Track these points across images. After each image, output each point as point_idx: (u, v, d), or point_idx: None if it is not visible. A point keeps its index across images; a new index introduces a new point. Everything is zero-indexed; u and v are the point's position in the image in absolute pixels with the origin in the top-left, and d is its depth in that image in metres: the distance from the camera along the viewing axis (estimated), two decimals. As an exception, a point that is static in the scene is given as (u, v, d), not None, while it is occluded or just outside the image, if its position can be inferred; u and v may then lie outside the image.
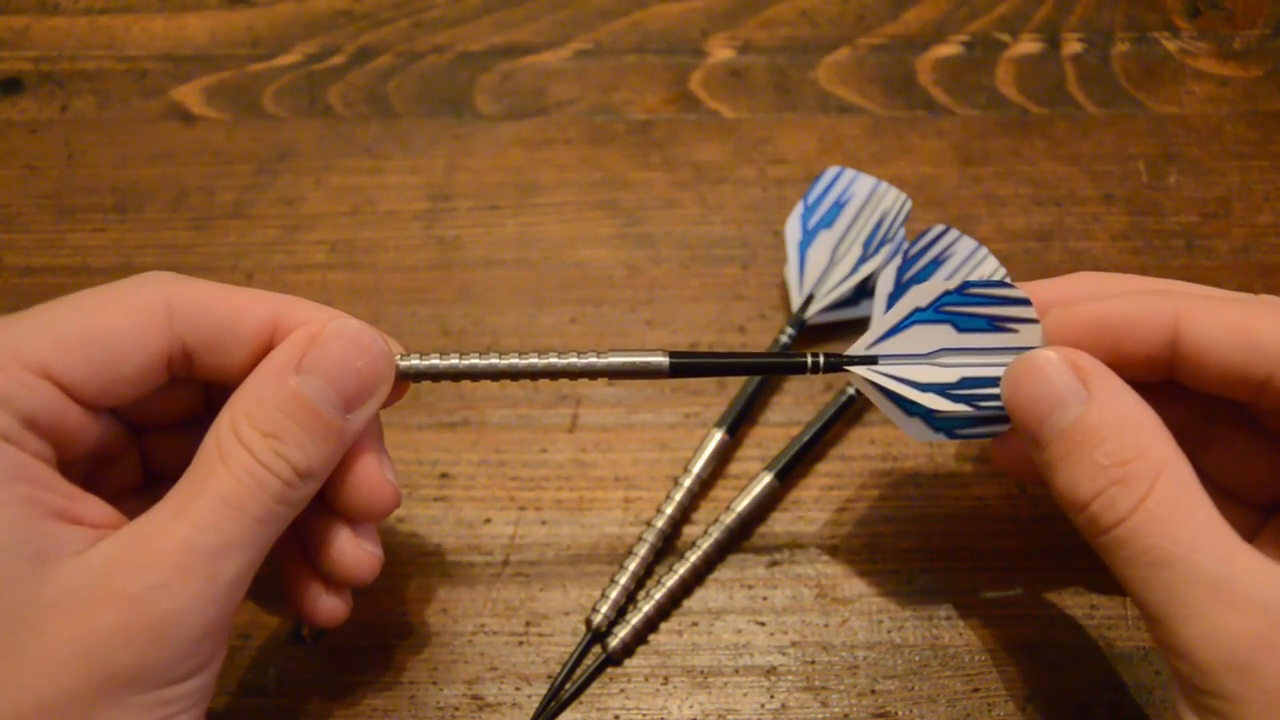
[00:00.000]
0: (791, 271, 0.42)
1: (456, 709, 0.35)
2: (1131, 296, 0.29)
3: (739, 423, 0.39)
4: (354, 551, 0.31)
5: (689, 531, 0.38)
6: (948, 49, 0.50)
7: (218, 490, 0.27)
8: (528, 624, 0.36)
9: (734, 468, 0.39)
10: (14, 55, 0.51)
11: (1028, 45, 0.50)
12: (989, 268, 0.40)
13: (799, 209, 0.43)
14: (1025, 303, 0.30)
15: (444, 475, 0.39)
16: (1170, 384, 0.30)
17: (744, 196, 0.46)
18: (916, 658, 0.36)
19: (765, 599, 0.37)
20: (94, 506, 0.27)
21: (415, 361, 0.31)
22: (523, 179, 0.47)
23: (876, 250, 0.40)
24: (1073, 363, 0.28)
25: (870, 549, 0.38)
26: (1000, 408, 0.30)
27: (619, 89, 0.49)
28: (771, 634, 0.36)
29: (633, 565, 0.36)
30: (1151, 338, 0.28)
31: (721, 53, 0.50)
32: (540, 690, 0.35)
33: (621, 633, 0.36)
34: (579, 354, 0.31)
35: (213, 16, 0.52)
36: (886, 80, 0.49)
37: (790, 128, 0.48)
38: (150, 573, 0.25)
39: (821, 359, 0.32)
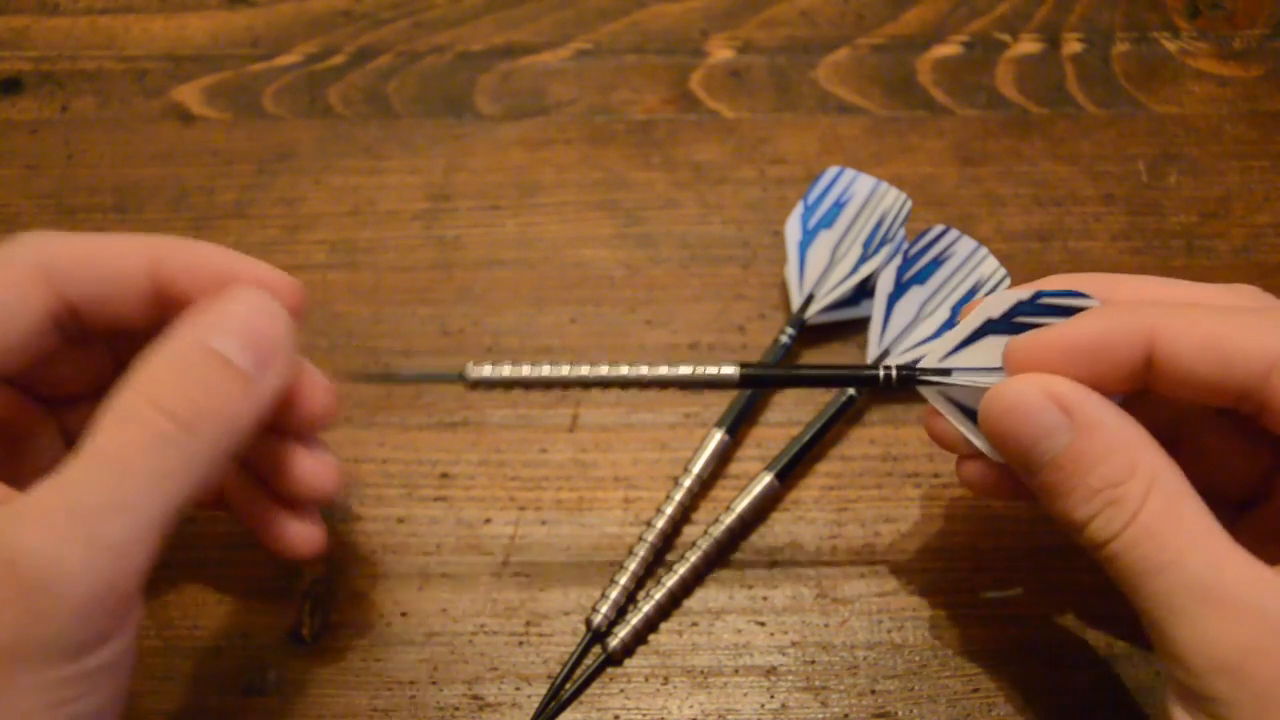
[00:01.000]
0: (791, 271, 0.42)
1: (456, 709, 0.35)
2: (1102, 315, 0.29)
3: (739, 423, 0.39)
4: (306, 463, 0.31)
5: (689, 531, 0.38)
6: (948, 49, 0.50)
7: (105, 450, 0.25)
8: (528, 624, 0.36)
9: (734, 468, 0.39)
10: (14, 55, 0.51)
11: (1028, 45, 0.50)
12: (989, 268, 0.40)
13: (799, 209, 0.43)
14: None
15: (444, 475, 0.39)
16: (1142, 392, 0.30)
17: (744, 196, 0.46)
18: (916, 658, 0.36)
19: (765, 599, 0.37)
20: (2, 492, 0.26)
21: (486, 371, 0.31)
22: (523, 179, 0.47)
23: (876, 250, 0.40)
24: (1050, 393, 0.28)
25: (870, 549, 0.38)
26: None
27: (619, 89, 0.49)
28: (771, 634, 0.36)
29: (633, 565, 0.37)
30: (1126, 357, 0.28)
31: (721, 53, 0.50)
32: (540, 690, 0.35)
33: (621, 633, 0.36)
34: (649, 365, 0.32)
35: (213, 16, 0.52)
36: (886, 80, 0.49)
37: (790, 128, 0.48)
38: (19, 539, 0.24)
39: (894, 372, 0.31)
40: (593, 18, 0.52)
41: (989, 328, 0.30)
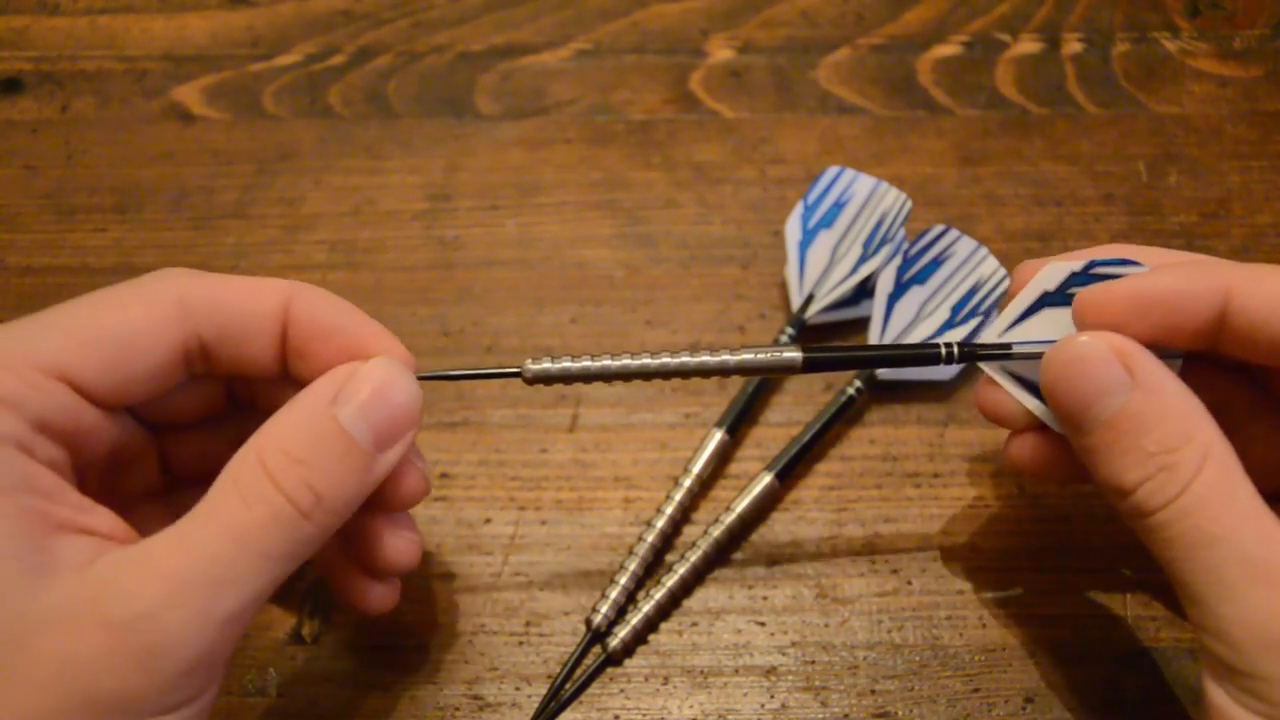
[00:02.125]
0: (791, 271, 0.42)
1: (456, 709, 0.35)
2: (1178, 270, 0.28)
3: (739, 423, 0.39)
4: (394, 542, 0.31)
5: (689, 531, 0.38)
6: (948, 49, 0.50)
7: (225, 520, 0.26)
8: (528, 624, 0.36)
9: (734, 468, 0.39)
10: (14, 55, 0.51)
11: (1028, 45, 0.50)
12: (989, 268, 0.40)
13: (799, 209, 0.43)
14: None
15: (444, 475, 0.39)
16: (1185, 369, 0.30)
17: (744, 196, 0.46)
18: (916, 658, 0.36)
19: (765, 599, 0.37)
20: (104, 518, 0.27)
21: (547, 365, 0.31)
22: (523, 179, 0.47)
23: (876, 250, 0.40)
24: (1116, 349, 0.28)
25: (870, 549, 0.38)
26: None
27: (619, 89, 0.49)
28: (771, 634, 0.36)
29: (633, 565, 0.37)
30: (1201, 311, 0.28)
31: (721, 53, 0.50)
32: (540, 690, 0.35)
33: (621, 633, 0.36)
34: (711, 351, 0.31)
35: (213, 16, 0.52)
36: (886, 80, 0.49)
37: (790, 128, 0.48)
38: (140, 600, 0.24)
39: (956, 349, 0.31)
40: (593, 18, 0.52)
41: (1045, 300, 0.30)
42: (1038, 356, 0.30)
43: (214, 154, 0.47)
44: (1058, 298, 0.30)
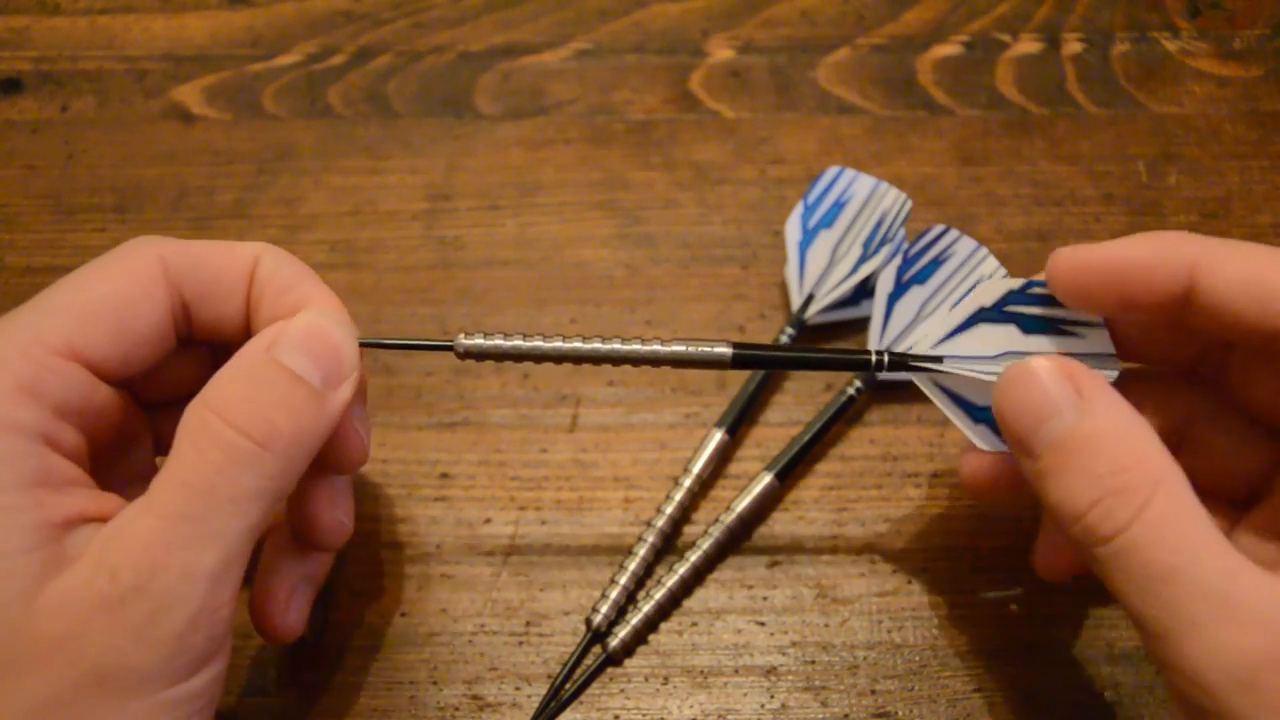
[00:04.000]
0: (791, 271, 0.42)
1: (456, 709, 0.35)
2: (1147, 239, 0.28)
3: (739, 423, 0.39)
4: (330, 514, 0.31)
5: (689, 531, 0.38)
6: (948, 49, 0.50)
7: (184, 476, 0.26)
8: (528, 624, 0.36)
9: (734, 468, 0.39)
10: (14, 55, 0.51)
11: (1028, 45, 0.50)
12: (989, 268, 0.40)
13: (799, 209, 0.43)
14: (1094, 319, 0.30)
15: (444, 475, 0.39)
16: (1146, 381, 0.30)
17: (744, 196, 0.46)
18: (916, 658, 0.36)
19: (765, 599, 0.37)
20: (115, 505, 0.27)
21: (479, 340, 0.31)
22: (523, 179, 0.47)
23: (876, 250, 0.40)
24: (1066, 371, 0.27)
25: (870, 549, 0.38)
26: None
27: (619, 89, 0.49)
28: (771, 634, 0.36)
29: (633, 565, 0.36)
30: (1167, 283, 0.28)
31: (721, 53, 0.50)
32: (540, 690, 0.35)
33: (621, 633, 0.36)
34: (642, 340, 0.31)
35: (213, 16, 0.52)
36: (886, 80, 0.49)
37: (790, 128, 0.48)
38: (124, 573, 0.25)
39: (886, 357, 0.31)
40: (593, 18, 0.52)
41: (981, 316, 0.31)
42: (969, 373, 0.30)
43: (214, 154, 0.47)
44: (994, 314, 0.31)
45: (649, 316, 0.43)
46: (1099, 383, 0.27)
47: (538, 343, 0.31)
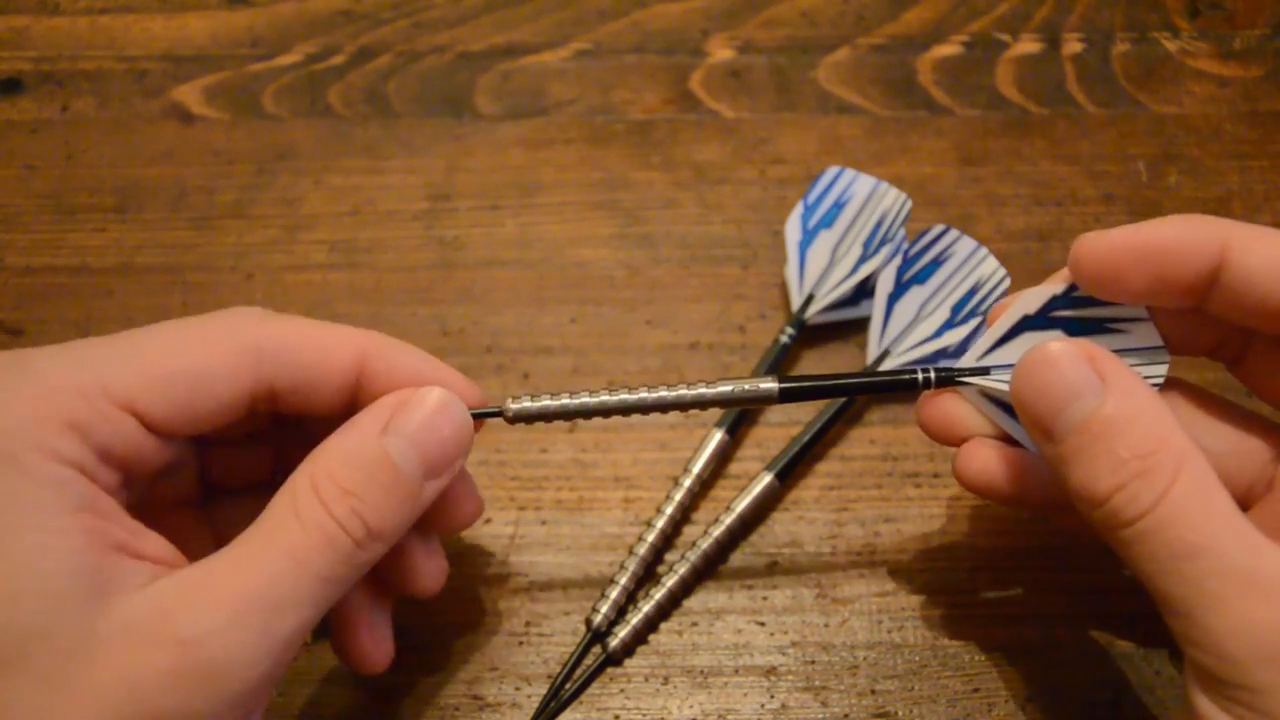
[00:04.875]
0: (791, 271, 0.42)
1: (456, 709, 0.35)
2: (1179, 221, 0.28)
3: (739, 423, 0.39)
4: (427, 564, 0.31)
5: (689, 531, 0.38)
6: (948, 49, 0.50)
7: (285, 544, 0.26)
8: (528, 624, 0.36)
9: (734, 468, 0.39)
10: (14, 55, 0.51)
11: (1028, 45, 0.50)
12: (989, 268, 0.40)
13: (799, 209, 0.43)
14: (1139, 313, 0.30)
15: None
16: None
17: (744, 196, 0.46)
18: (916, 658, 0.36)
19: (765, 599, 0.37)
20: (155, 542, 0.27)
21: (526, 404, 0.31)
22: (523, 179, 0.47)
23: (876, 250, 0.40)
24: (1087, 354, 0.27)
25: (870, 549, 0.38)
26: None
27: (619, 89, 0.49)
28: (771, 634, 0.36)
29: (633, 565, 0.37)
30: (1198, 264, 0.28)
31: (721, 53, 0.50)
32: (540, 690, 0.35)
33: (621, 633, 0.36)
34: (688, 385, 0.31)
35: (213, 16, 0.52)
36: (886, 80, 0.49)
37: (790, 128, 0.48)
38: (206, 619, 0.25)
39: (933, 375, 0.31)
40: (593, 18, 0.52)
41: (1025, 325, 0.30)
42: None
43: (214, 154, 0.47)
44: (1039, 321, 0.30)
45: (649, 316, 0.43)
46: (1119, 365, 0.27)
47: (585, 399, 0.31)
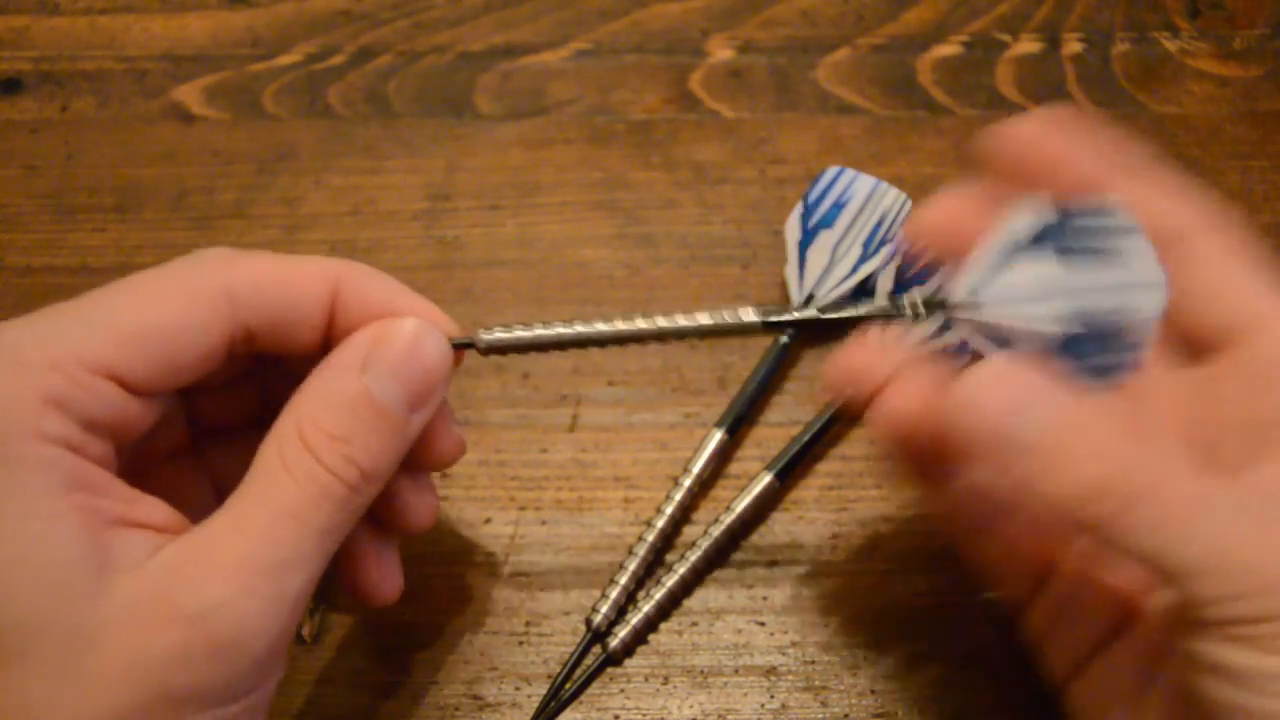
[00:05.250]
0: (791, 271, 0.42)
1: (457, 709, 0.35)
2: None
3: (739, 423, 0.39)
4: (416, 500, 0.31)
5: (689, 531, 0.38)
6: (948, 49, 0.50)
7: (280, 501, 0.26)
8: (528, 624, 0.36)
9: (734, 468, 0.39)
10: (14, 55, 0.51)
11: (1028, 45, 0.50)
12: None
13: (799, 209, 0.43)
14: (1134, 230, 0.28)
15: (444, 475, 0.39)
16: None
17: (744, 196, 0.46)
18: (918, 658, 0.36)
19: (765, 599, 0.37)
20: (153, 508, 0.26)
21: (499, 334, 0.30)
22: (523, 179, 0.47)
23: (876, 250, 0.40)
24: (1014, 373, 0.27)
25: (870, 549, 0.38)
26: (1128, 347, 0.28)
27: (619, 89, 0.49)
28: (771, 634, 0.36)
29: (633, 565, 0.37)
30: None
31: (721, 53, 0.50)
32: (540, 690, 0.35)
33: (621, 633, 0.36)
34: (665, 315, 0.30)
35: (213, 16, 0.52)
36: (886, 80, 0.49)
37: (790, 128, 0.48)
38: (210, 590, 0.24)
39: (921, 306, 0.29)
40: (593, 18, 0.52)
41: (1017, 250, 0.28)
42: (1012, 319, 0.28)
43: (214, 154, 0.47)
44: (1031, 247, 0.28)
45: (649, 316, 0.43)
46: (1041, 370, 0.27)
47: (560, 329, 0.30)
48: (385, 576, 0.31)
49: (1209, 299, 0.28)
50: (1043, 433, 0.26)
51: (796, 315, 0.31)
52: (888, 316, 0.30)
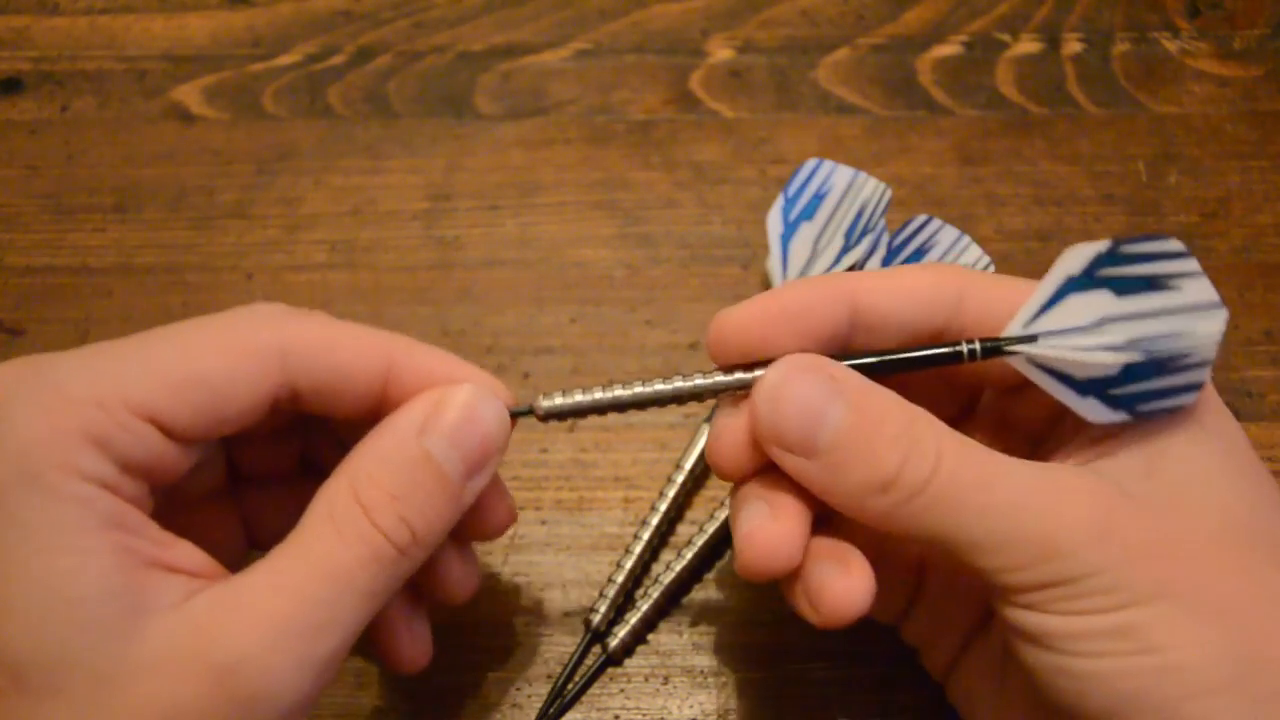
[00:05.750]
0: (774, 265, 0.41)
1: (457, 709, 0.35)
2: (802, 284, 0.29)
3: (738, 422, 0.39)
4: (459, 569, 0.31)
5: (685, 530, 0.38)
6: (948, 49, 0.50)
7: (324, 560, 0.25)
8: (528, 624, 0.36)
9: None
10: (14, 55, 0.51)
11: (1028, 45, 0.50)
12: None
13: (779, 202, 0.42)
14: (1185, 255, 0.28)
15: (444, 475, 0.39)
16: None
17: (744, 196, 0.46)
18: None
19: (765, 598, 0.37)
20: (187, 552, 0.26)
21: (558, 400, 0.30)
22: (523, 179, 0.47)
23: (858, 241, 0.40)
24: (809, 365, 0.28)
25: (870, 549, 0.38)
26: (1192, 370, 0.28)
27: (619, 89, 0.49)
28: (772, 633, 0.36)
29: (629, 564, 0.36)
30: (831, 316, 0.29)
31: (721, 53, 0.50)
32: (540, 690, 0.35)
33: (621, 633, 0.36)
34: (724, 370, 0.30)
35: (213, 16, 0.52)
36: (886, 80, 0.49)
37: (790, 128, 0.48)
38: (241, 645, 0.24)
39: (978, 346, 0.29)
40: (593, 18, 0.52)
41: (1070, 286, 0.29)
42: (1069, 351, 0.28)
43: (214, 154, 0.47)
44: (1083, 282, 0.29)
45: (649, 316, 0.43)
46: (833, 362, 0.28)
47: (618, 391, 0.30)
48: (415, 645, 0.31)
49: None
50: (835, 433, 0.27)
51: (857, 361, 0.30)
52: (947, 360, 0.30)
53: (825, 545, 0.29)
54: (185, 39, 0.51)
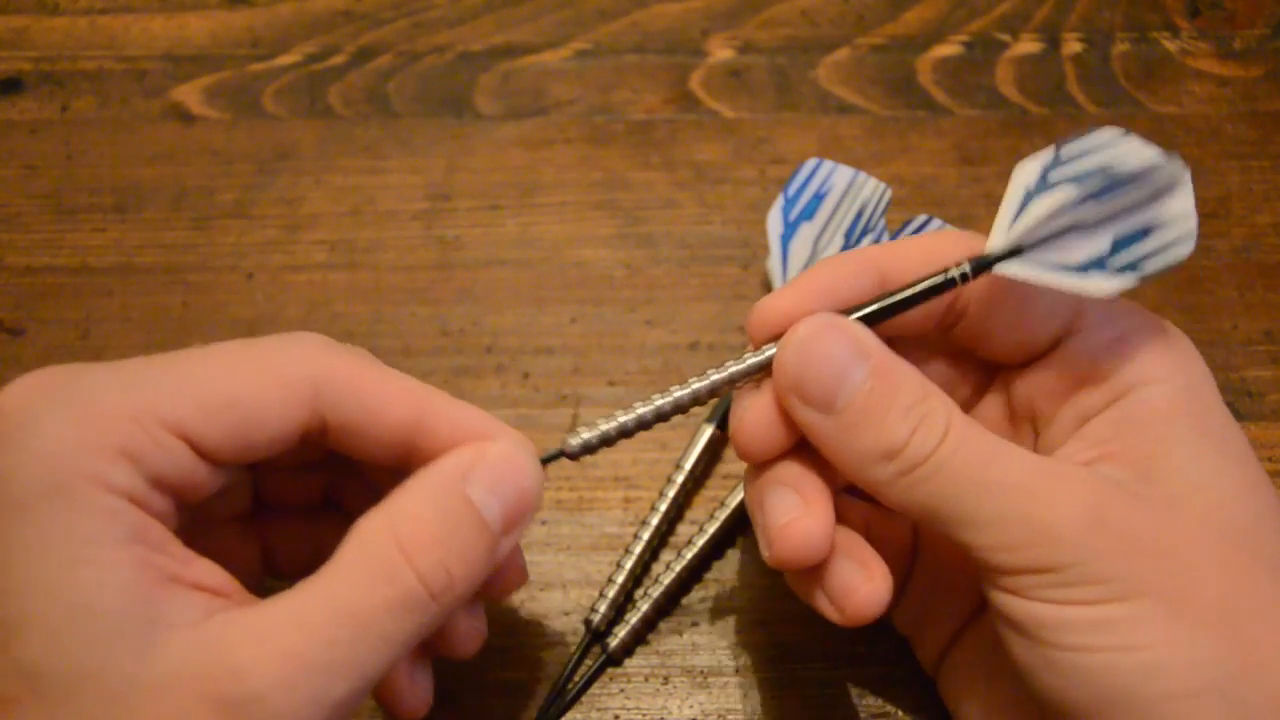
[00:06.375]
0: (774, 265, 0.41)
1: (457, 709, 0.35)
2: (830, 262, 0.30)
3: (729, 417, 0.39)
4: (467, 626, 0.30)
5: (685, 530, 0.38)
6: (948, 49, 0.50)
7: (348, 601, 0.25)
8: (528, 624, 0.36)
9: (727, 466, 0.39)
10: (14, 55, 0.51)
11: (1028, 45, 0.50)
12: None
13: (779, 202, 0.42)
14: (1125, 137, 0.29)
15: (444, 475, 0.39)
16: None
17: (744, 196, 0.46)
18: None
19: (765, 597, 0.37)
20: (208, 570, 0.26)
21: (585, 435, 0.30)
22: (523, 179, 0.47)
23: (858, 241, 0.40)
24: (835, 326, 0.28)
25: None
26: (1176, 223, 0.29)
27: (619, 89, 0.49)
28: (772, 633, 0.36)
29: (629, 564, 0.37)
30: (863, 285, 0.29)
31: (721, 53, 0.50)
32: (541, 691, 0.35)
33: (621, 633, 0.36)
34: (736, 360, 0.30)
35: (213, 16, 0.52)
36: (886, 80, 0.49)
37: (790, 128, 0.48)
38: (252, 680, 0.24)
39: (969, 268, 0.30)
40: (593, 18, 0.52)
41: (1029, 197, 0.29)
42: (1053, 261, 0.29)
43: (214, 154, 0.47)
44: (1040, 188, 0.29)
45: (649, 316, 0.43)
46: (861, 327, 0.29)
47: (639, 410, 0.30)
48: (417, 695, 0.30)
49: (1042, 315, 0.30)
50: (854, 393, 0.27)
51: (863, 312, 0.30)
52: (945, 288, 0.30)
53: (839, 536, 0.29)
54: (185, 39, 0.51)
